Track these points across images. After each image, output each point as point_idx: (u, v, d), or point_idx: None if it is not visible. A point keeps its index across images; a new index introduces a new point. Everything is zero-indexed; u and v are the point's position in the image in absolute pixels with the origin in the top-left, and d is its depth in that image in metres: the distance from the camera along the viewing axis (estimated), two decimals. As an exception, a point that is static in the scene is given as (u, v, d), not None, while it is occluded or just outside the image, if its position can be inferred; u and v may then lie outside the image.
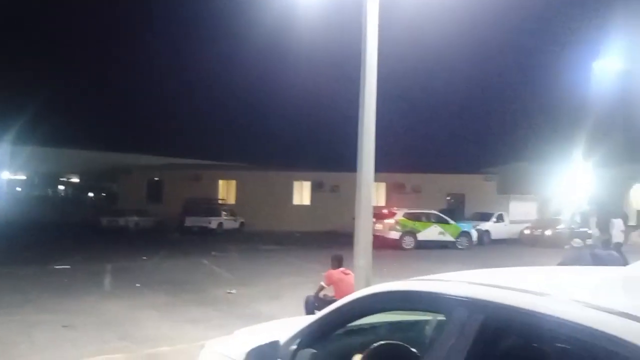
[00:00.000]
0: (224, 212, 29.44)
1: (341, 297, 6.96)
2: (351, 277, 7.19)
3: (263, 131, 44.65)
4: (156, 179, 35.01)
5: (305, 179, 34.02)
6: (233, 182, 34.43)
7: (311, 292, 7.78)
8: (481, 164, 39.80)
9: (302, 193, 34.40)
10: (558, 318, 1.44)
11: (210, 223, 27.72)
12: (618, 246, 13.06)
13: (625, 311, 1.35)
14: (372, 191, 7.66)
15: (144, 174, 34.93)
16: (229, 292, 10.73)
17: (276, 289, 11.34)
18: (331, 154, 32.62)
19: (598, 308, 1.41)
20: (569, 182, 29.46)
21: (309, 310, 6.97)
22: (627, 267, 2.32)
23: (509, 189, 33.93)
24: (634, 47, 15.14)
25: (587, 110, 29.84)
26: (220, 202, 32.51)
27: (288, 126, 43.82)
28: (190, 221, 27.52)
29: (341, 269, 7.52)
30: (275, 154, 37.63)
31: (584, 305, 1.45)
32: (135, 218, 29.43)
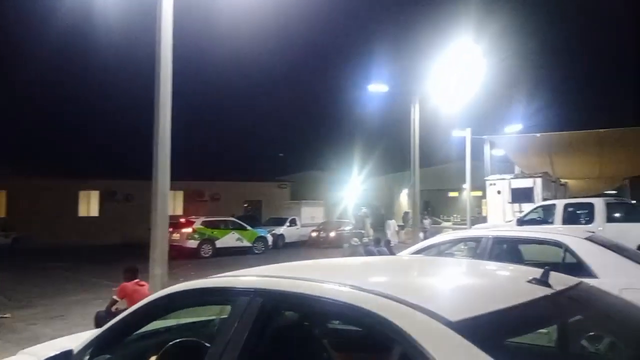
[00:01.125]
0: (-9, 227, 25.53)
1: (136, 308, 6.83)
2: (146, 287, 7.10)
3: (41, 135, 39.61)
4: None
5: (93, 188, 31.42)
6: (3, 193, 29.96)
7: (102, 308, 7.42)
8: (276, 172, 41.90)
9: (89, 203, 31.69)
10: (324, 297, 1.82)
11: (-27, 240, 23.79)
12: (387, 243, 15.17)
13: (376, 289, 1.76)
14: (167, 200, 7.67)
15: None
16: (2, 317, 9.50)
17: (61, 308, 10.40)
18: (124, 161, 30.64)
19: (355, 288, 1.80)
20: (350, 188, 33.00)
21: (100, 327, 6.66)
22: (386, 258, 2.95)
23: (301, 195, 36.49)
24: (398, 74, 17.98)
25: (365, 126, 33.87)
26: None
27: (73, 130, 39.71)
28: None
29: (135, 280, 7.35)
30: (56, 160, 33.75)
31: (344, 286, 1.84)
32: None
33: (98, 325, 6.96)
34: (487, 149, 25.70)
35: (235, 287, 2.16)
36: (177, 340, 2.63)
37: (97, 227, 29.47)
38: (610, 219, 11.61)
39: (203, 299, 2.41)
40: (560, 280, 2.02)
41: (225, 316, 2.35)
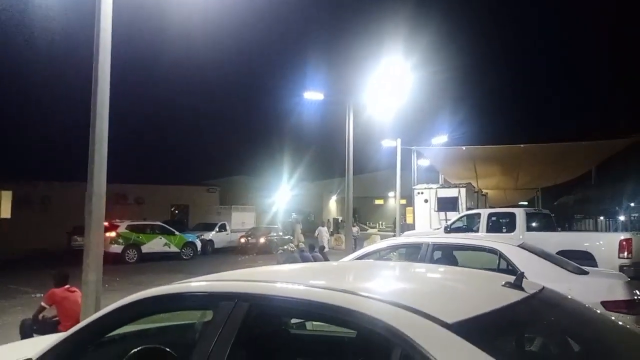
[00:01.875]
0: None
1: (66, 316, 6.49)
2: (77, 294, 6.73)
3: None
4: None
5: (5, 189, 29.16)
6: None
7: (27, 316, 6.95)
8: (205, 176, 41.07)
9: (-1, 205, 29.35)
10: (320, 302, 1.86)
11: None
12: (322, 249, 15.35)
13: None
14: (104, 202, 7.31)
15: None
16: None
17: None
18: (41, 162, 28.75)
19: (351, 292, 1.89)
20: (280, 194, 32.99)
21: (27, 335, 6.23)
22: (332, 262, 3.00)
23: (230, 200, 35.93)
24: (332, 84, 18.35)
25: (296, 133, 34.09)
26: None
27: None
28: None
29: (66, 286, 6.94)
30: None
31: (337, 291, 1.90)
32: None
33: (24, 334, 6.50)
34: (414, 158, 26.70)
35: (217, 292, 2.13)
36: (141, 347, 2.55)
37: (11, 230, 27.31)
38: (529, 228, 12.41)
39: (180, 304, 2.35)
40: (529, 285, 2.17)
41: (203, 321, 2.29)
